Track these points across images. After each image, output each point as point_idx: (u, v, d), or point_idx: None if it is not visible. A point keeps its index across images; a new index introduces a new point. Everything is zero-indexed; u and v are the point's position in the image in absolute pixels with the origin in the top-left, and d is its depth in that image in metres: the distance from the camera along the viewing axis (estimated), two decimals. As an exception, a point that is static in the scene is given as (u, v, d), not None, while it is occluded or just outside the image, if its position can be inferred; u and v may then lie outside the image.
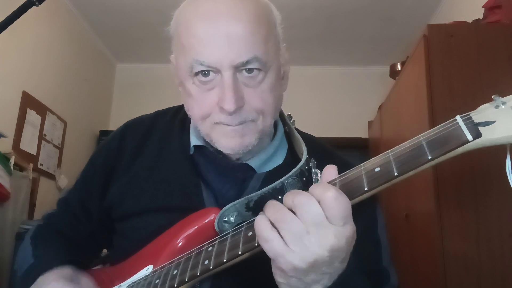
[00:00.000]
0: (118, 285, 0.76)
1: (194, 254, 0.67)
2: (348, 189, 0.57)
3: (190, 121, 0.85)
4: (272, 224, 0.55)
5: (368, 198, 0.60)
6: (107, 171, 0.86)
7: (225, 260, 0.62)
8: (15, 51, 2.82)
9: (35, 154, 3.04)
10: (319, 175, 0.69)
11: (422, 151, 0.54)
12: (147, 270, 0.74)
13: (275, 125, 0.83)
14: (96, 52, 4.07)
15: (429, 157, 0.53)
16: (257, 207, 0.68)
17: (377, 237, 0.77)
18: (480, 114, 0.53)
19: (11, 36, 2.63)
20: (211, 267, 0.63)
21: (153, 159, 0.83)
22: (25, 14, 1.06)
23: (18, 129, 2.85)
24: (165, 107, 0.94)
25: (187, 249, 0.70)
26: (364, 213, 0.74)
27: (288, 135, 0.85)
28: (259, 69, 0.69)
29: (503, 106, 0.52)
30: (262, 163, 0.79)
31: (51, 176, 3.29)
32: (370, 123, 3.53)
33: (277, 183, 0.69)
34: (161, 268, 0.71)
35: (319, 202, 0.53)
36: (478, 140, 0.52)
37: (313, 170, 0.71)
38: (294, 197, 0.54)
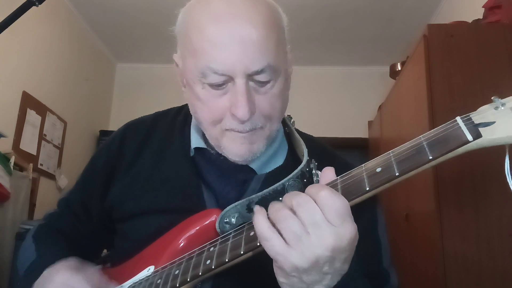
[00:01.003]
0: (120, 286, 0.76)
1: (195, 254, 0.67)
2: (350, 189, 0.57)
3: (190, 122, 0.85)
4: (273, 225, 0.55)
5: (369, 198, 0.60)
6: (108, 172, 0.86)
7: (227, 260, 0.62)
8: (15, 51, 2.82)
9: (35, 154, 3.04)
10: (320, 176, 0.69)
11: (423, 151, 0.55)
12: (149, 270, 0.74)
13: None
14: (96, 52, 4.07)
15: (430, 157, 0.54)
16: None
17: (378, 237, 0.77)
18: (480, 115, 0.54)
19: (11, 36, 2.63)
20: (213, 267, 0.63)
21: (154, 160, 0.83)
22: (25, 14, 1.06)
23: (18, 129, 2.85)
24: (165, 107, 0.94)
25: (188, 250, 0.70)
26: (364, 213, 0.74)
27: (288, 136, 0.84)
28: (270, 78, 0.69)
29: (502, 108, 0.54)
30: (262, 164, 0.79)
31: (51, 176, 3.29)
32: (370, 123, 3.53)
33: (278, 184, 0.69)
34: (163, 268, 0.71)
35: (316, 202, 0.53)
36: (478, 141, 0.53)
37: (314, 171, 0.71)
38: (293, 198, 0.55)
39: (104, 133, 3.99)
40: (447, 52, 1.86)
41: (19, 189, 2.68)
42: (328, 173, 0.61)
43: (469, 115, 0.55)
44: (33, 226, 0.94)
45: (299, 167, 0.70)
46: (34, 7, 1.05)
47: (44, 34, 3.19)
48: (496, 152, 0.54)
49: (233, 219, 0.68)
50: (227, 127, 0.70)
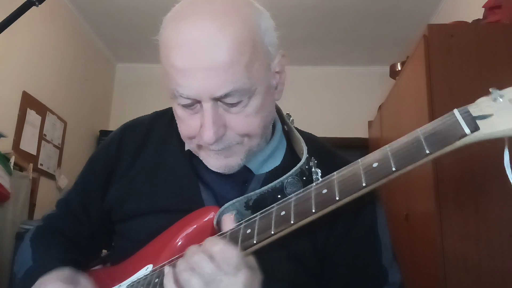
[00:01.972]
0: (118, 285, 0.77)
1: None
2: (346, 185, 0.57)
3: None
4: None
5: (368, 195, 0.60)
6: (107, 173, 0.86)
7: None
8: (15, 51, 2.82)
9: (35, 154, 3.04)
10: (319, 174, 0.69)
11: (420, 145, 0.54)
12: (147, 269, 0.74)
13: (273, 125, 0.82)
14: (96, 52, 4.07)
15: (427, 152, 0.53)
16: (256, 206, 0.68)
17: (377, 235, 0.77)
18: (477, 107, 0.53)
19: (11, 36, 2.63)
20: None
21: (153, 161, 0.83)
22: (25, 14, 1.06)
23: (18, 129, 2.85)
24: (165, 107, 0.94)
25: (186, 248, 0.70)
26: (363, 211, 0.74)
27: (287, 134, 0.84)
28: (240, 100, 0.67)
29: (501, 99, 0.52)
30: (259, 164, 0.78)
31: (51, 176, 3.29)
32: (370, 123, 3.53)
33: (276, 182, 0.69)
34: (161, 267, 0.71)
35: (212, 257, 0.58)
36: (476, 133, 0.51)
37: (313, 169, 0.71)
38: (190, 258, 0.59)
39: (104, 133, 3.98)
40: (447, 52, 1.86)
41: (19, 189, 2.68)
42: (228, 222, 0.66)
43: (466, 108, 0.54)
44: (33, 226, 0.93)
45: (298, 165, 0.71)
46: (34, 7, 1.05)
47: (44, 34, 3.19)
48: (497, 152, 0.54)
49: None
50: (201, 143, 0.71)
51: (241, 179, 0.77)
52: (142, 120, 0.91)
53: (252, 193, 0.69)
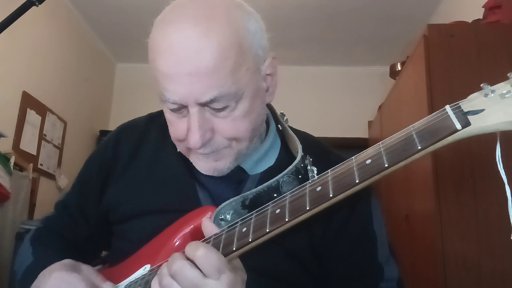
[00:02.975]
0: (117, 285, 0.77)
1: None
2: (340, 182, 0.57)
3: None
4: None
5: (362, 192, 0.60)
6: (103, 175, 0.86)
7: None
8: (15, 51, 2.82)
9: (35, 154, 3.04)
10: (315, 172, 0.69)
11: (412, 141, 0.54)
12: (145, 269, 0.74)
13: (267, 124, 0.82)
14: (96, 52, 4.07)
15: (419, 148, 0.53)
16: (253, 205, 0.68)
17: (372, 232, 0.77)
18: (469, 103, 0.54)
19: (11, 36, 2.63)
20: None
21: (149, 162, 0.84)
22: (25, 14, 1.06)
23: (18, 129, 2.85)
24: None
25: (184, 248, 0.70)
26: (358, 208, 0.74)
27: (282, 134, 0.84)
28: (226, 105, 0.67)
29: (492, 95, 0.53)
30: (253, 164, 0.78)
31: (51, 176, 3.29)
32: (370, 123, 3.53)
33: (272, 181, 0.70)
34: (158, 267, 0.71)
35: (194, 261, 0.58)
36: (467, 129, 0.52)
37: (309, 167, 0.71)
38: (171, 265, 0.59)
39: (104, 133, 3.98)
40: (447, 52, 1.86)
41: (19, 189, 2.68)
42: (209, 227, 0.66)
43: (458, 103, 0.54)
44: (33, 226, 0.94)
45: (294, 163, 0.71)
46: (34, 7, 1.05)
47: (44, 34, 3.19)
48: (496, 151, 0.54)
49: (228, 216, 0.69)
50: (190, 146, 0.71)
51: (235, 179, 0.77)
52: (137, 121, 0.91)
53: (248, 192, 0.70)
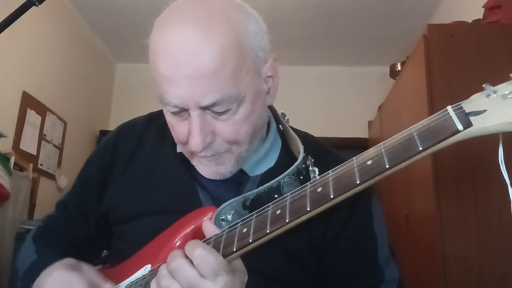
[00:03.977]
0: (117, 285, 0.77)
1: None
2: (341, 183, 0.57)
3: None
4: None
5: (363, 193, 0.60)
6: (103, 176, 0.86)
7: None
8: (15, 51, 2.82)
9: (35, 154, 3.04)
10: (317, 173, 0.69)
11: (413, 142, 0.54)
12: (145, 269, 0.74)
13: (268, 125, 0.81)
14: (96, 52, 4.07)
15: (420, 148, 0.53)
16: (253, 205, 0.68)
17: (373, 233, 0.76)
18: (471, 103, 0.53)
19: (11, 36, 2.63)
20: None
21: (149, 163, 0.83)
22: (25, 14, 1.06)
23: (18, 129, 2.85)
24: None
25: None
26: (358, 209, 0.74)
27: (283, 134, 0.84)
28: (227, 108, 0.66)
29: (494, 95, 0.52)
30: (253, 166, 0.78)
31: (51, 176, 3.29)
32: (370, 123, 3.53)
33: (273, 182, 0.69)
34: (159, 267, 0.71)
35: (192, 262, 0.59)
36: (468, 130, 0.51)
37: (310, 168, 0.71)
38: (170, 263, 0.60)
39: (104, 133, 3.98)
40: (447, 52, 1.86)
41: (19, 189, 2.68)
42: (209, 227, 0.66)
43: (460, 104, 0.53)
44: (33, 226, 0.95)
45: (295, 164, 0.71)
46: (34, 7, 1.05)
47: (44, 34, 3.18)
48: (497, 152, 0.54)
49: (229, 216, 0.69)
50: (191, 150, 0.70)
51: (235, 180, 0.77)
52: (137, 121, 0.91)
53: (249, 193, 0.69)
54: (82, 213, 0.89)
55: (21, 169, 2.78)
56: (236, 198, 0.69)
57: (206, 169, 0.73)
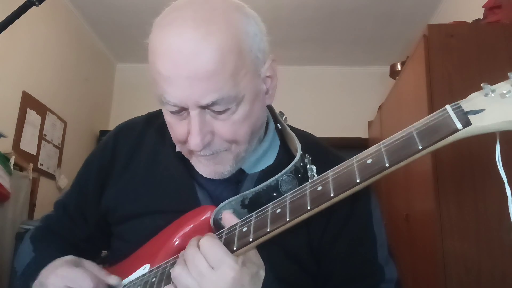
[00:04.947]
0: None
1: None
2: (341, 182, 0.57)
3: None
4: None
5: (362, 192, 0.60)
6: (102, 176, 0.86)
7: None
8: (15, 51, 2.82)
9: (35, 154, 3.04)
10: (314, 170, 0.69)
11: (412, 141, 0.54)
12: (144, 269, 0.74)
13: (266, 124, 0.81)
14: (96, 52, 4.07)
15: (420, 147, 0.53)
16: (252, 204, 0.69)
17: (372, 233, 0.76)
18: (469, 102, 0.54)
19: (11, 36, 2.63)
20: None
21: (148, 163, 0.83)
22: (25, 14, 1.06)
23: (18, 129, 2.85)
24: (163, 108, 0.94)
25: (183, 248, 0.70)
26: (357, 208, 0.74)
27: (281, 133, 0.84)
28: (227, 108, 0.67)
29: (492, 94, 0.53)
30: (252, 164, 0.78)
31: (51, 176, 3.29)
32: (370, 123, 3.53)
33: (271, 180, 0.70)
34: (158, 267, 0.71)
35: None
36: (467, 129, 0.52)
37: (308, 166, 0.71)
38: (185, 251, 0.63)
39: (104, 133, 3.98)
40: (447, 52, 1.86)
41: (19, 189, 2.68)
42: (228, 218, 0.67)
43: (458, 103, 0.54)
44: (33, 226, 0.94)
45: (293, 162, 0.71)
46: (34, 7, 1.05)
47: (44, 34, 3.19)
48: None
49: None
50: (190, 149, 0.71)
51: (234, 179, 0.77)
52: (136, 121, 0.91)
53: (247, 191, 0.70)
54: (81, 213, 0.89)
55: (21, 169, 2.78)
56: (234, 197, 0.69)
57: (205, 168, 0.73)
